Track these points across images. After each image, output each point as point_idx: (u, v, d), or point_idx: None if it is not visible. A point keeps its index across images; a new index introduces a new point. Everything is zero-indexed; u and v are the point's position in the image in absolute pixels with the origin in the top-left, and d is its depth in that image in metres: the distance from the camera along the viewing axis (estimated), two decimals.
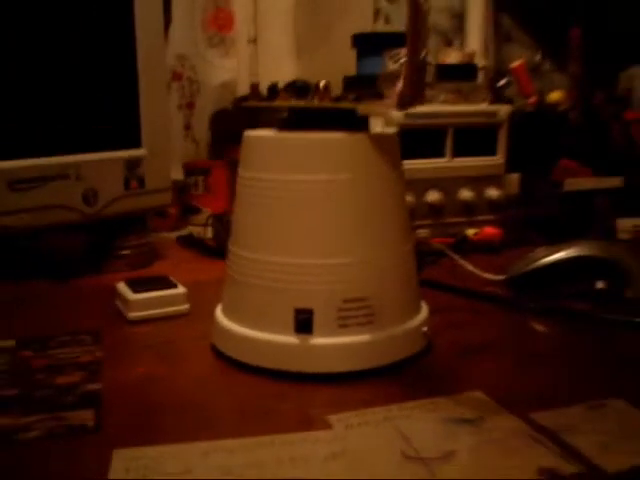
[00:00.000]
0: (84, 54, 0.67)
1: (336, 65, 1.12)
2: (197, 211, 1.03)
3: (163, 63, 0.75)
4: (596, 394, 0.42)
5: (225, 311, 0.50)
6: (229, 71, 1.18)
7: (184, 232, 0.91)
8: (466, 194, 0.75)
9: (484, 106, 0.76)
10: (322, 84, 0.49)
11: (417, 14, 0.43)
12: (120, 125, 0.71)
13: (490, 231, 0.75)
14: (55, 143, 0.66)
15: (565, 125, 0.85)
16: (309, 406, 0.42)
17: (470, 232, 0.75)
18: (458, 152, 0.75)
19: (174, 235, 0.90)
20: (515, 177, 0.80)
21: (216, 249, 0.81)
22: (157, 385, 0.45)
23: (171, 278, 0.62)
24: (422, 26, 0.44)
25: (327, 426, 0.39)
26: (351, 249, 0.45)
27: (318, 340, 0.45)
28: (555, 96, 0.86)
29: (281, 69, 1.22)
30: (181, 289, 0.59)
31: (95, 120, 0.69)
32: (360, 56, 0.86)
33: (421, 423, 0.39)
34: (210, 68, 1.16)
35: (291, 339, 0.45)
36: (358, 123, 0.48)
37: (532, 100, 0.87)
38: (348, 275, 0.45)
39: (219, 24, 1.15)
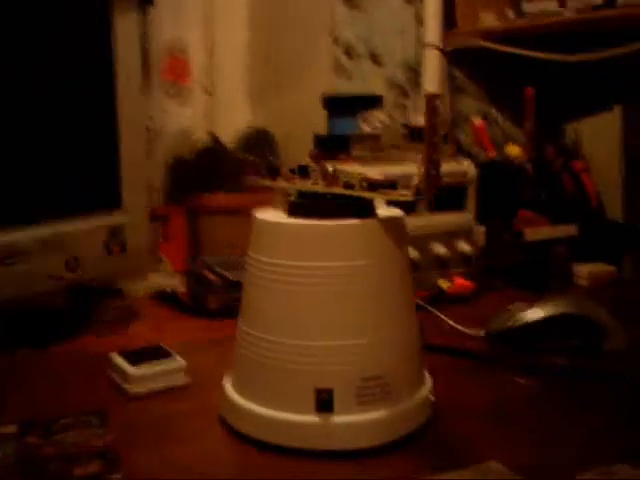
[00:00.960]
0: (63, 119, 0.67)
1: (295, 117, 1.15)
2: (158, 260, 1.03)
3: (142, 123, 0.75)
4: (601, 458, 0.45)
5: (239, 389, 0.50)
6: (186, 119, 1.18)
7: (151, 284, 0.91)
8: (439, 249, 0.78)
9: (454, 166, 0.80)
10: (330, 169, 0.51)
11: (434, 118, 0.46)
12: (101, 191, 0.71)
13: (462, 283, 0.79)
14: (36, 212, 0.65)
15: (522, 177, 0.90)
16: None
17: (444, 284, 0.79)
18: (434, 210, 0.79)
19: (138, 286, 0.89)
20: (481, 230, 0.84)
21: (194, 307, 0.81)
22: (179, 473, 0.45)
23: (164, 346, 0.62)
24: (438, 128, 0.46)
25: None
26: (367, 330, 0.47)
27: (339, 418, 0.47)
28: (512, 150, 0.91)
29: (237, 118, 1.23)
30: (180, 361, 0.59)
31: (75, 186, 0.68)
32: (331, 116, 0.88)
33: None
34: (167, 116, 1.16)
35: (312, 418, 0.47)
36: (366, 206, 0.50)
37: (491, 155, 0.92)
38: (365, 355, 0.47)
39: (176, 73, 1.16)
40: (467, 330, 0.68)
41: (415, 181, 0.47)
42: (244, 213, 1.13)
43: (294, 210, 0.51)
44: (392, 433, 0.48)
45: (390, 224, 0.49)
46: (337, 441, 0.47)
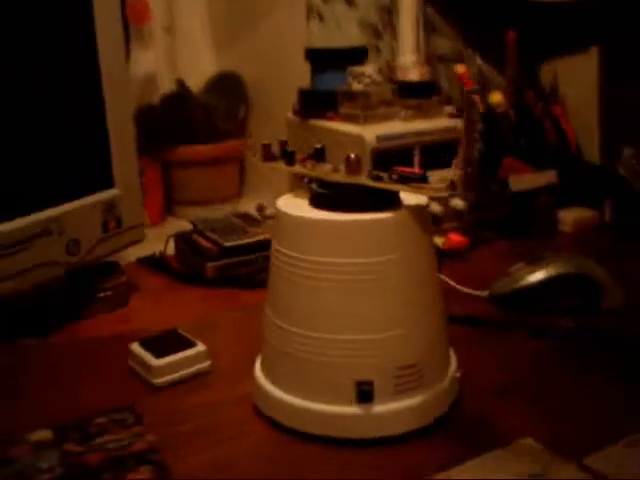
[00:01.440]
0: (49, 102, 0.63)
1: (266, 62, 1.11)
2: None
3: (129, 98, 0.72)
4: (625, 426, 0.49)
5: (275, 381, 0.51)
6: (149, 64, 1.12)
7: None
8: (434, 206, 0.79)
9: (445, 122, 0.80)
10: (353, 157, 0.50)
11: (472, 114, 0.45)
12: (93, 168, 0.68)
13: (457, 238, 0.80)
14: (33, 199, 0.62)
15: (506, 125, 0.91)
16: (393, 476, 0.45)
17: (439, 241, 0.80)
18: (425, 167, 0.78)
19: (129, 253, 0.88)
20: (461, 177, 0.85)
21: (187, 274, 0.80)
22: (226, 473, 0.46)
23: (181, 331, 0.62)
24: (476, 124, 0.46)
25: None
26: (402, 321, 0.48)
27: (378, 408, 0.48)
28: (495, 98, 0.91)
29: (201, 61, 1.18)
30: (201, 347, 0.59)
31: (68, 168, 0.65)
32: (315, 70, 0.86)
33: None
34: (130, 62, 1.11)
35: (353, 409, 0.48)
36: (391, 196, 0.50)
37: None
38: (401, 345, 0.48)
39: (136, 15, 1.09)
40: (471, 291, 0.70)
41: (451, 176, 0.47)
42: (218, 163, 1.13)
43: (319, 201, 0.50)
44: (427, 417, 0.50)
45: (418, 213, 0.49)
46: (377, 429, 0.48)
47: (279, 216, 0.51)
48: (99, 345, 0.64)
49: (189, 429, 0.51)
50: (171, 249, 0.86)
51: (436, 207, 0.79)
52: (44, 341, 0.65)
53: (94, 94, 0.67)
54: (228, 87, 1.13)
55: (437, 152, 0.80)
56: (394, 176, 0.48)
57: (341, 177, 0.50)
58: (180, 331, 0.61)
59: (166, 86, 1.13)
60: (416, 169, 0.52)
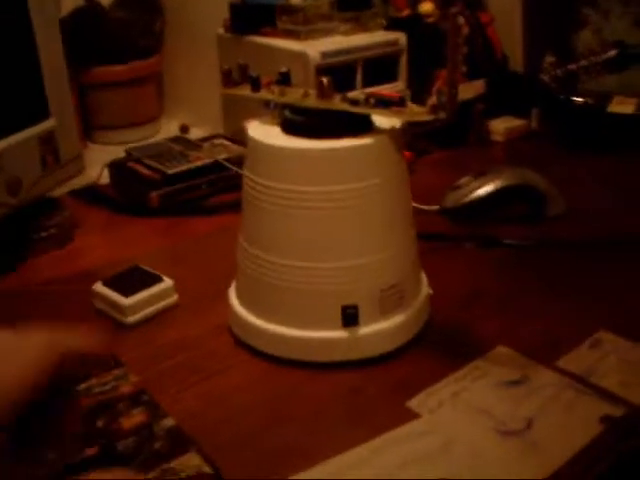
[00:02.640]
0: None
1: None
2: None
3: (56, 22, 0.66)
4: (586, 327, 0.53)
5: (256, 311, 0.51)
6: None
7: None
8: None
9: (384, 35, 0.79)
10: (326, 80, 0.49)
11: (457, 36, 0.45)
12: (26, 98, 0.63)
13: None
14: None
15: (437, 36, 0.90)
16: (383, 395, 0.47)
17: None
18: (366, 83, 0.78)
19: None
20: (407, 94, 0.85)
21: (129, 205, 0.77)
22: (219, 407, 0.47)
23: (143, 267, 0.60)
24: (461, 47, 0.45)
25: (414, 414, 0.45)
26: (385, 245, 0.49)
27: (364, 329, 0.49)
28: (425, 7, 0.90)
29: None
30: (167, 281, 0.58)
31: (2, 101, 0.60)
32: None
33: (483, 393, 0.47)
34: None
35: (340, 333, 0.49)
36: (364, 119, 0.49)
37: (405, 13, 0.91)
38: (384, 268, 0.49)
39: None
40: (423, 207, 0.71)
41: (432, 100, 0.47)
42: (136, 83, 1.07)
43: (292, 128, 0.49)
44: (409, 333, 0.52)
45: (393, 136, 0.49)
46: (364, 350, 0.50)
47: (252, 144, 0.49)
48: (56, 287, 0.61)
49: (172, 366, 0.51)
50: (104, 179, 0.82)
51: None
52: None
53: (22, 19, 0.61)
54: (141, 1, 1.05)
55: (377, 67, 0.79)
56: (371, 100, 0.48)
57: (314, 102, 0.49)
58: (142, 266, 0.60)
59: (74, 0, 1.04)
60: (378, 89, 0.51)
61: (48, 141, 0.64)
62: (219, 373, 0.50)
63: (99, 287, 0.57)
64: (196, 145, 0.83)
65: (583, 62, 0.92)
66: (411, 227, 0.52)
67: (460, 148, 0.89)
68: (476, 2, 0.98)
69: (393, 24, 0.88)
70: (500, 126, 0.91)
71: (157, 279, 0.58)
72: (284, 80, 0.52)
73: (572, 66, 0.93)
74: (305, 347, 0.50)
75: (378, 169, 0.48)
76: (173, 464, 0.42)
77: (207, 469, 0.41)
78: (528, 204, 0.71)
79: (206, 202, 0.77)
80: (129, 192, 0.79)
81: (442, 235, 0.67)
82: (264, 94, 0.52)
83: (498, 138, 0.91)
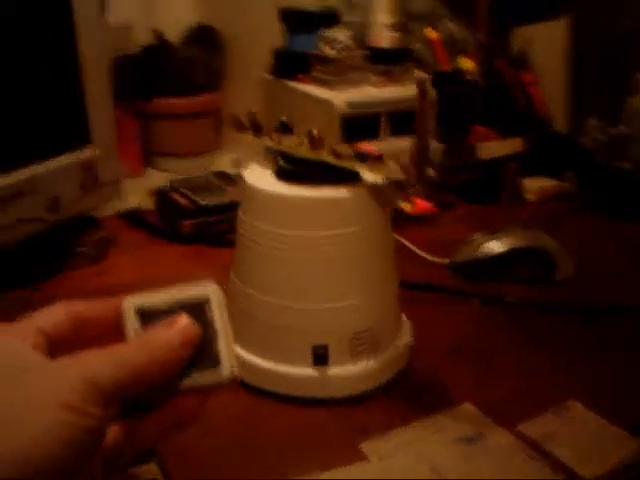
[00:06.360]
0: (23, 64, 0.65)
1: (241, 15, 1.11)
2: None
3: (105, 53, 0.73)
4: (557, 394, 0.53)
5: (238, 340, 0.55)
6: (125, 12, 1.12)
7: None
8: (401, 174, 0.81)
9: (412, 89, 0.82)
10: (315, 132, 0.53)
11: (425, 102, 0.47)
12: (70, 126, 0.70)
13: (423, 205, 0.83)
14: (12, 159, 0.64)
15: (475, 92, 0.93)
16: (341, 435, 0.49)
17: (406, 207, 0.83)
18: (393, 134, 0.81)
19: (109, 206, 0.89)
20: (438, 147, 0.87)
21: (165, 231, 0.83)
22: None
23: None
24: (429, 113, 0.48)
25: (363, 456, 0.47)
26: (357, 291, 0.52)
27: (333, 370, 0.52)
28: (466, 64, 0.93)
29: (180, 13, 1.18)
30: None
31: (45, 126, 0.67)
32: (289, 31, 0.87)
33: (435, 446, 0.48)
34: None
35: (310, 371, 0.52)
36: (352, 172, 0.52)
37: (447, 68, 0.94)
38: (357, 313, 0.52)
39: None
40: (432, 258, 0.74)
41: (405, 159, 0.50)
42: (195, 116, 1.14)
43: (283, 175, 0.53)
44: (378, 379, 0.54)
45: (378, 190, 0.52)
46: (331, 390, 0.53)
47: (245, 187, 0.54)
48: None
49: None
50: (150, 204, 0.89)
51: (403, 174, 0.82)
52: (27, 294, 0.68)
53: (69, 50, 0.68)
54: (206, 40, 1.13)
55: (404, 119, 0.82)
56: (352, 154, 0.51)
57: (304, 152, 0.53)
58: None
59: (141, 36, 1.13)
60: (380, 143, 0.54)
61: (88, 166, 0.71)
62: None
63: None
64: (234, 181, 0.88)
65: (629, 128, 0.92)
66: (390, 276, 0.54)
67: (490, 205, 0.90)
68: (521, 61, 1.00)
69: (434, 78, 0.91)
70: (534, 185, 0.91)
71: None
72: (284, 128, 0.56)
73: (617, 131, 0.93)
74: (277, 380, 0.53)
75: (354, 219, 0.51)
76: (134, 471, 0.46)
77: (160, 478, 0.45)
78: (537, 266, 0.71)
79: (230, 235, 0.81)
80: (167, 218, 0.84)
81: (445, 288, 0.69)
82: (265, 140, 0.56)
83: (531, 197, 0.92)
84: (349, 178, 0.52)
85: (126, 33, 1.14)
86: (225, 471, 0.46)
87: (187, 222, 0.81)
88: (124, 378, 0.30)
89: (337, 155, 0.52)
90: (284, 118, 0.57)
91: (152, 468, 0.45)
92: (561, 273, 0.70)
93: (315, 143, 0.53)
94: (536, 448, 0.48)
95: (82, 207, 0.72)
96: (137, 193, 0.90)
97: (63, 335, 0.33)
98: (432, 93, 0.47)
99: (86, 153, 0.71)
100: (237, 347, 0.54)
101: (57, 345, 0.32)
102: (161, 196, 0.86)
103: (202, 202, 0.82)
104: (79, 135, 0.71)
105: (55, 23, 0.68)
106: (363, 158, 0.51)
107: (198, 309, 0.35)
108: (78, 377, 0.28)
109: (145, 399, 0.32)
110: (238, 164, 1.13)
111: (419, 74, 0.48)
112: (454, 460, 0.47)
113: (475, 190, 0.90)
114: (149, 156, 1.14)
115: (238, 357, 0.35)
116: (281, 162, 0.54)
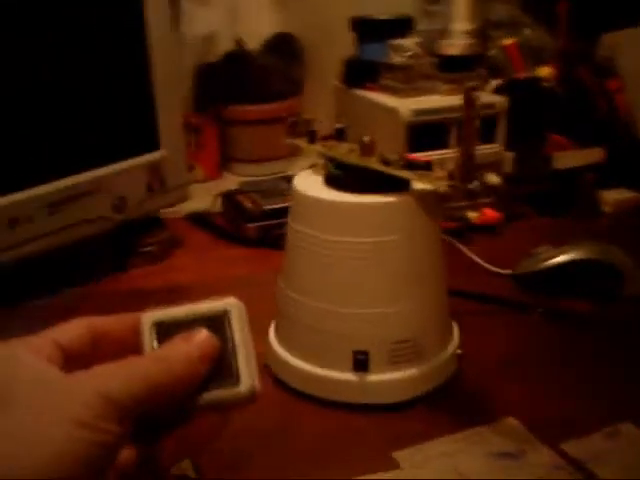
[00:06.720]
0: (98, 70, 0.68)
1: (321, 24, 1.12)
2: (191, 168, 1.06)
3: (176, 61, 0.76)
4: (612, 416, 0.51)
5: (282, 342, 0.56)
6: (211, 23, 1.16)
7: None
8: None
9: (485, 97, 0.80)
10: (367, 139, 0.52)
11: (471, 110, 0.47)
12: (139, 130, 0.73)
13: (490, 214, 0.82)
14: (83, 160, 0.67)
15: (552, 100, 0.90)
16: (376, 442, 0.49)
17: (472, 215, 0.81)
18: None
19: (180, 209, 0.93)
20: (509, 156, 0.85)
21: (230, 233, 0.85)
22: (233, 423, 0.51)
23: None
24: (475, 120, 0.47)
25: (396, 465, 0.46)
26: (399, 299, 0.51)
27: (372, 377, 0.52)
28: (543, 71, 0.90)
29: (263, 22, 1.21)
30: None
31: (115, 130, 0.70)
32: (360, 40, 0.87)
33: (472, 459, 0.47)
34: (192, 20, 1.14)
35: (350, 376, 0.52)
36: (401, 179, 0.52)
37: (522, 75, 0.91)
38: (397, 321, 0.51)
39: None
40: (492, 268, 0.72)
41: (450, 166, 0.49)
42: (271, 123, 1.16)
43: (332, 181, 0.53)
44: (420, 388, 0.53)
45: (424, 198, 0.51)
46: (370, 396, 0.52)
47: (294, 194, 0.54)
48: (138, 296, 0.70)
49: None
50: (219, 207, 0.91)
51: (473, 183, 0.80)
52: (90, 289, 0.71)
53: (140, 59, 0.71)
54: (286, 49, 1.15)
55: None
56: (401, 162, 0.51)
57: (354, 159, 0.53)
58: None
59: (225, 45, 1.16)
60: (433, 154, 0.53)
61: (155, 169, 0.74)
62: None
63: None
64: None
65: None
66: (436, 285, 0.53)
67: (563, 217, 0.87)
68: (606, 68, 0.96)
69: (508, 85, 0.89)
70: (611, 197, 0.87)
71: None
72: (339, 135, 0.57)
73: None
74: (316, 383, 0.53)
75: (400, 226, 0.50)
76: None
77: (192, 474, 0.46)
78: (604, 280, 0.68)
79: None
80: (233, 221, 0.86)
81: (500, 299, 0.67)
82: (317, 147, 0.57)
83: (607, 210, 0.87)
84: (397, 186, 0.52)
85: (209, 43, 1.18)
86: (257, 471, 0.47)
87: (251, 225, 0.82)
88: (139, 392, 0.29)
89: (386, 162, 0.52)
90: (340, 125, 0.57)
91: (184, 463, 0.46)
92: (630, 289, 0.67)
93: (365, 150, 0.53)
94: (580, 468, 0.46)
95: (148, 208, 0.75)
96: (209, 196, 0.93)
97: (80, 350, 0.32)
98: (478, 103, 0.46)
99: (153, 157, 0.74)
100: (279, 348, 0.55)
101: (74, 360, 0.31)
102: (228, 199, 0.89)
103: (266, 206, 0.83)
104: (148, 140, 0.73)
105: (129, 37, 0.71)
106: (411, 166, 0.51)
107: (218, 323, 0.34)
108: (92, 391, 0.27)
109: (162, 416, 0.32)
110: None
111: (467, 85, 0.47)
112: (489, 474, 0.45)
113: (548, 201, 0.87)
114: (228, 161, 1.17)
115: (257, 372, 0.34)
116: (331, 168, 0.54)
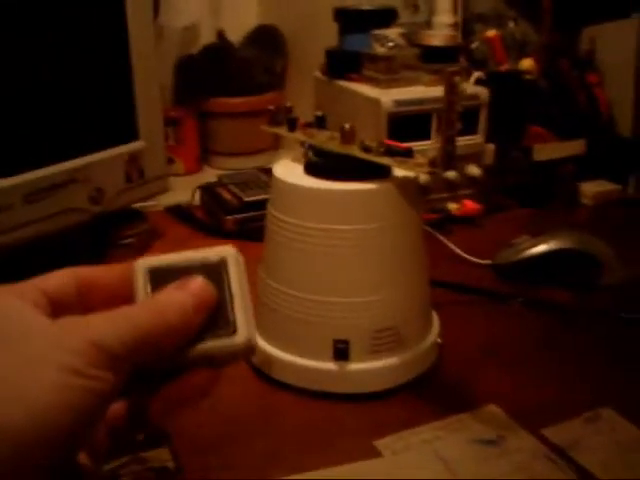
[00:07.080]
0: (77, 59, 0.67)
1: (302, 16, 1.12)
2: (170, 161, 1.05)
3: (154, 53, 0.75)
4: (591, 402, 0.51)
5: (262, 333, 0.55)
6: (192, 15, 1.15)
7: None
8: (450, 173, 0.80)
9: (467, 88, 0.80)
10: (347, 127, 0.52)
11: (452, 95, 0.46)
12: (117, 120, 0.72)
13: (470, 205, 0.82)
14: (61, 150, 0.66)
15: (534, 92, 0.90)
16: (357, 431, 0.48)
17: (453, 207, 0.81)
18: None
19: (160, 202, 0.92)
20: (490, 148, 0.85)
21: (210, 226, 0.84)
22: (204, 414, 0.50)
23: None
24: (456, 106, 0.47)
25: (377, 453, 0.46)
26: (380, 287, 0.51)
27: (353, 365, 0.51)
28: (526, 64, 0.90)
29: (244, 14, 1.20)
30: None
31: (94, 121, 0.69)
32: (343, 31, 0.86)
33: (453, 445, 0.47)
34: (173, 12, 1.13)
35: (330, 365, 0.52)
36: (382, 167, 0.52)
37: (504, 68, 0.91)
38: (378, 310, 0.51)
39: None
40: (472, 258, 0.72)
41: (431, 153, 0.49)
42: (252, 116, 1.15)
43: (312, 169, 0.53)
44: (401, 377, 0.53)
45: (405, 185, 0.51)
46: (351, 385, 0.52)
47: (273, 181, 0.54)
48: None
49: None
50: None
51: (452, 174, 0.80)
52: None
53: (120, 48, 0.71)
54: (268, 41, 1.14)
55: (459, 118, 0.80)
56: (381, 149, 0.50)
57: (334, 146, 0.52)
58: None
59: (208, 37, 1.15)
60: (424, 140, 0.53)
61: (134, 160, 0.73)
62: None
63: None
64: None
65: None
66: (417, 274, 0.53)
67: (543, 209, 0.87)
68: (586, 61, 0.96)
69: (490, 77, 0.89)
70: (590, 189, 0.88)
71: None
72: (319, 123, 0.56)
73: None
74: (297, 373, 0.52)
75: (381, 214, 0.50)
76: (145, 454, 0.46)
77: (171, 465, 0.45)
78: (583, 270, 0.68)
79: None
80: (212, 214, 0.86)
81: (479, 289, 0.67)
82: (297, 135, 0.56)
83: (587, 202, 0.88)
84: (378, 173, 0.51)
85: (190, 34, 1.17)
86: (237, 460, 0.46)
87: (230, 217, 0.82)
88: (132, 340, 0.27)
89: (366, 149, 0.51)
90: (319, 113, 0.57)
91: (163, 453, 0.46)
92: (608, 279, 0.67)
93: (346, 137, 0.52)
94: (560, 454, 0.46)
95: (126, 200, 0.74)
96: (189, 189, 0.92)
97: (67, 299, 0.30)
98: (460, 88, 0.46)
99: (131, 147, 0.73)
100: (259, 339, 0.55)
101: (60, 309, 0.30)
102: (207, 191, 0.88)
103: (245, 198, 0.82)
104: (127, 130, 0.73)
105: (109, 27, 0.70)
106: (392, 152, 0.50)
107: (214, 272, 0.32)
108: (83, 338, 0.26)
109: (155, 367, 0.30)
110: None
111: (448, 70, 0.47)
112: (470, 460, 0.45)
113: (528, 193, 0.88)
114: (208, 155, 1.16)
115: (254, 324, 0.32)
116: (311, 156, 0.53)
